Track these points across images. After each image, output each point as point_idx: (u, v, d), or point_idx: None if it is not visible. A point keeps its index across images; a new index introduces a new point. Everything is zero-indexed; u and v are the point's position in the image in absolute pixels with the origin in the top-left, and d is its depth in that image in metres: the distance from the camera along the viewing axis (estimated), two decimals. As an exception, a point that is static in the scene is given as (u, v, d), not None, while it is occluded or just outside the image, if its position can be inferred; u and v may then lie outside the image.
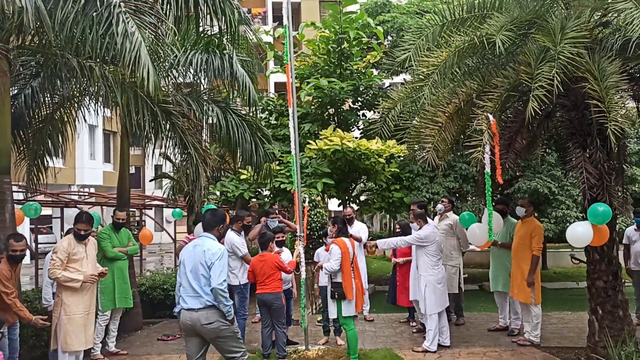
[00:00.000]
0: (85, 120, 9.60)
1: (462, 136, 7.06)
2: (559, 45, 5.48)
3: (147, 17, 5.66)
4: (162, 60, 7.10)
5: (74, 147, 9.45)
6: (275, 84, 33.18)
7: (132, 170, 35.32)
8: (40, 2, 5.31)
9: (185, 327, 5.15)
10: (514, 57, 6.46)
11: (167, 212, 15.26)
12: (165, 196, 14.82)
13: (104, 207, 15.25)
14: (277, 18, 39.27)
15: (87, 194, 14.77)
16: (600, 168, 6.35)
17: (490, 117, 5.85)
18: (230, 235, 7.72)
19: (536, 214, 13.26)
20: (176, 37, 7.51)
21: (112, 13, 5.38)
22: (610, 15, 6.11)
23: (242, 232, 8.04)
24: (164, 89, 8.20)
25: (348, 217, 9.42)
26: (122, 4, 5.38)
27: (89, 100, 9.30)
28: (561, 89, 5.38)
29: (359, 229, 9.50)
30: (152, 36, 5.64)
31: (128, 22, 5.33)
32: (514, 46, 6.46)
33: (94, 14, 5.50)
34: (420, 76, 6.79)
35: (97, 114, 9.58)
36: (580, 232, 6.17)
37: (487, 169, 5.88)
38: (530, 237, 7.40)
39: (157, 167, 36.15)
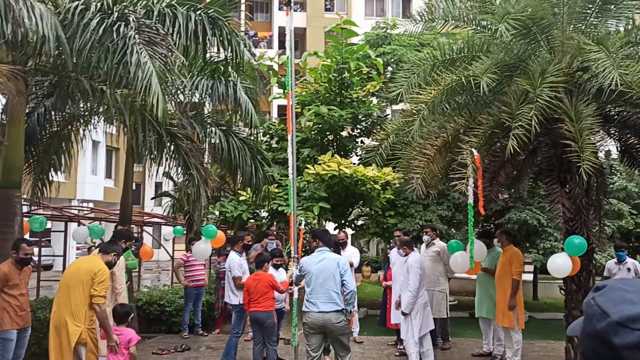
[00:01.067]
0: (90, 137, 10.04)
1: (449, 168, 7.46)
2: (538, 88, 5.92)
3: (159, 48, 6.11)
4: (170, 85, 7.53)
5: (77, 162, 9.86)
6: (278, 107, 33.75)
7: (133, 187, 35.72)
8: (60, 32, 5.76)
9: (315, 326, 6.17)
10: (498, 96, 6.91)
11: (165, 230, 15.58)
12: (165, 214, 15.21)
13: (102, 222, 15.62)
14: (283, 42, 40.10)
15: (88, 209, 15.13)
16: (578, 203, 6.76)
17: (475, 151, 6.27)
18: (231, 255, 8.11)
19: (527, 245, 13.69)
20: (184, 64, 7.95)
21: (127, 44, 5.84)
22: (588, 62, 6.56)
23: (243, 253, 8.41)
24: (170, 113, 8.63)
25: (341, 241, 9.79)
26: (136, 36, 5.83)
27: (97, 119, 9.76)
28: (538, 128, 5.80)
29: (351, 253, 9.87)
30: (163, 65, 6.07)
31: (141, 53, 5.77)
32: (499, 86, 6.91)
33: (110, 43, 5.95)
34: (412, 110, 7.22)
35: (102, 130, 10.02)
36: (560, 263, 6.56)
37: (470, 200, 6.28)
38: (510, 264, 7.78)
39: (158, 185, 36.66)
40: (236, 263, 8.15)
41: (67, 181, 10.56)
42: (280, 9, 40.15)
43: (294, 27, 8.16)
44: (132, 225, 12.90)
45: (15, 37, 5.36)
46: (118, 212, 12.90)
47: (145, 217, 15.69)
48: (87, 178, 31.16)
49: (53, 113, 8.87)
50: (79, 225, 12.05)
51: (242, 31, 8.23)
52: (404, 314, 7.80)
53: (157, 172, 10.04)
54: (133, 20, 5.88)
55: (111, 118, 9.17)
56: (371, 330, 11.02)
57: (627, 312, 0.94)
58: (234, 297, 8.07)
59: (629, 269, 9.45)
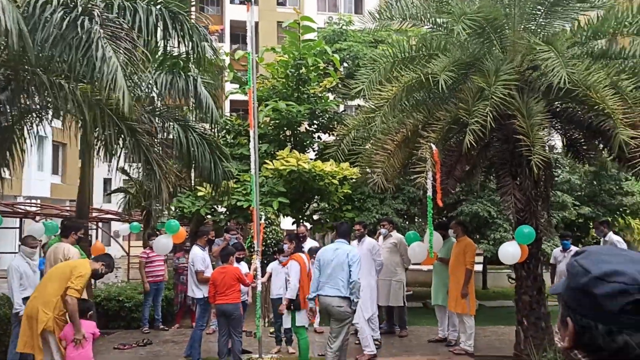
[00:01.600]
0: (39, 132, 9.82)
1: (409, 162, 7.74)
2: (493, 86, 6.25)
3: (123, 42, 6.11)
4: (131, 80, 7.50)
5: (23, 158, 9.64)
6: (232, 101, 33.55)
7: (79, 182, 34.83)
8: (23, 25, 5.68)
9: (322, 307, 6.92)
10: (455, 93, 7.22)
11: (120, 226, 15.36)
12: (120, 210, 14.99)
13: (50, 219, 15.24)
14: (235, 36, 39.80)
15: (38, 205, 14.77)
16: (528, 194, 7.15)
17: (433, 146, 6.55)
18: (194, 249, 8.17)
19: (477, 236, 14.22)
20: (147, 58, 7.92)
21: (91, 38, 5.81)
22: (538, 61, 6.94)
23: (206, 247, 8.46)
24: (134, 107, 8.57)
25: (302, 235, 9.97)
26: (101, 30, 5.81)
27: (52, 114, 9.57)
28: (493, 124, 6.12)
29: (310, 246, 10.05)
30: (127, 60, 6.07)
31: (106, 48, 5.77)
32: (456, 83, 7.22)
33: (74, 37, 5.90)
34: (373, 107, 7.45)
35: (48, 125, 9.81)
36: (511, 251, 6.93)
37: (429, 193, 6.56)
38: (464, 254, 8.14)
39: (106, 181, 35.83)
40: (199, 257, 8.21)
41: (10, 177, 10.31)
42: (231, 2, 39.89)
43: (245, 20, 8.24)
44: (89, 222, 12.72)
45: (-23, 31, 5.27)
46: (68, 208, 12.67)
47: (100, 214, 15.43)
48: (33, 174, 30.17)
49: (7, 107, 8.64)
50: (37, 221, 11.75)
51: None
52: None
53: (116, 167, 9.92)
54: (97, 14, 5.85)
55: (66, 112, 8.99)
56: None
57: (605, 268, 1.16)
58: (197, 291, 8.13)
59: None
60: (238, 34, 39.44)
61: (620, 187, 15.97)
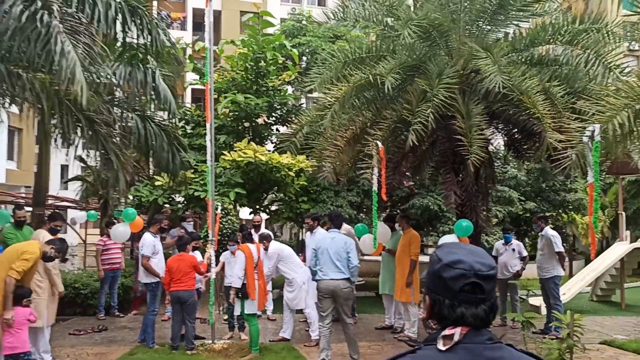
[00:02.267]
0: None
1: (358, 158, 8.15)
2: (435, 89, 6.68)
3: (82, 37, 6.29)
4: (90, 71, 7.66)
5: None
6: (192, 90, 33.40)
7: (36, 169, 34.18)
8: (-20, 16, 5.81)
9: (327, 291, 7.14)
10: (402, 94, 7.64)
11: (76, 214, 15.35)
12: (77, 198, 15.00)
13: (5, 206, 15.16)
14: (197, 24, 39.50)
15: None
16: (469, 190, 7.64)
17: (379, 144, 6.96)
18: (145, 235, 8.39)
19: (429, 228, 14.81)
20: (105, 51, 8.07)
21: (50, 32, 5.98)
22: (478, 66, 7.41)
23: (159, 235, 8.67)
24: (92, 99, 8.70)
25: (256, 223, 10.29)
26: (60, 25, 5.98)
27: (9, 102, 9.60)
28: (434, 125, 6.56)
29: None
30: (86, 54, 6.26)
31: (65, 42, 5.94)
32: (403, 84, 7.65)
33: (33, 31, 6.06)
34: (325, 104, 7.82)
35: (4, 111, 9.83)
36: (449, 241, 7.41)
37: (375, 188, 6.97)
38: (409, 245, 8.60)
39: (63, 168, 35.27)
40: (149, 242, 8.40)
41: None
42: (194, -10, 39.48)
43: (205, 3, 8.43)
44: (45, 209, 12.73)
45: None
46: (24, 195, 12.64)
47: (56, 201, 15.39)
48: (-13, 159, 29.53)
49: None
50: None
51: (156, 12, 8.44)
52: None
53: (73, 155, 10.01)
54: (57, 9, 6.02)
55: (24, 101, 9.05)
56: (281, 309, 11.63)
57: (451, 258, 1.55)
58: (146, 277, 8.35)
59: (513, 250, 10.59)
60: (200, 22, 39.10)
61: (564, 184, 16.82)
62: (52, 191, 34.25)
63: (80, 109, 8.42)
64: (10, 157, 32.82)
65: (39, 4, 6.07)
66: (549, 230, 9.58)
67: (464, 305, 1.50)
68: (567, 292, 12.05)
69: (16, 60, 6.86)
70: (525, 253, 10.46)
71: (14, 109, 10.48)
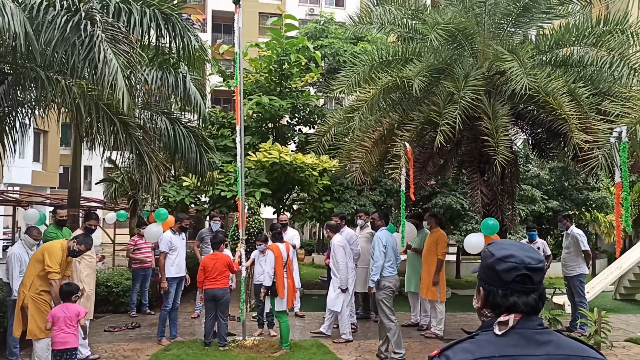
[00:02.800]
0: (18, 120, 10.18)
1: (385, 158, 8.33)
2: (462, 91, 6.83)
3: (122, 45, 6.55)
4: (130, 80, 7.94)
5: (15, 148, 10.07)
6: (214, 91, 33.77)
7: (61, 170, 34.88)
8: (29, 28, 6.09)
9: (395, 287, 7.69)
10: (429, 95, 7.80)
11: (107, 214, 15.72)
12: (106, 199, 15.36)
13: (32, 206, 15.57)
14: (216, 26, 39.92)
15: (26, 193, 15.07)
16: (494, 189, 7.78)
17: (407, 144, 7.14)
18: (164, 233, 8.69)
19: (451, 227, 14.92)
20: (142, 57, 8.33)
21: (93, 41, 6.24)
22: (503, 68, 7.55)
23: (181, 234, 8.90)
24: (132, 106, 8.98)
25: (283, 223, 10.53)
26: (102, 34, 6.25)
27: (45, 106, 9.94)
28: (461, 125, 6.72)
29: (292, 235, 10.64)
30: (126, 62, 6.53)
31: (107, 50, 6.21)
32: (429, 86, 7.81)
33: (76, 40, 6.33)
34: (353, 106, 8.01)
35: (33, 112, 10.16)
36: (475, 241, 7.56)
37: (402, 187, 7.15)
38: (436, 244, 8.76)
39: (87, 169, 35.90)
40: (165, 239, 8.69)
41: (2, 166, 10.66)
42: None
43: (227, 10, 8.68)
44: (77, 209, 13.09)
45: (-12, 34, 5.68)
46: (50, 195, 12.96)
47: (86, 202, 15.77)
48: (14, 161, 30.13)
49: (3, 100, 9.00)
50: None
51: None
52: (341, 289, 8.67)
53: (99, 156, 10.25)
54: (99, 19, 6.29)
55: (61, 106, 9.37)
56: (309, 307, 11.87)
57: (503, 253, 1.74)
58: (169, 271, 8.69)
59: (538, 248, 10.69)
60: (220, 24, 39.59)
61: (586, 182, 16.79)
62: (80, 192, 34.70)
63: (115, 113, 8.72)
64: (36, 158, 33.50)
65: (82, 14, 6.34)
66: (574, 229, 9.67)
67: (516, 295, 1.69)
68: (590, 290, 12.10)
69: (59, 67, 7.14)
70: (549, 252, 10.55)
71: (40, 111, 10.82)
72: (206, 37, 37.69)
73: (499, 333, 1.69)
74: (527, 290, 1.70)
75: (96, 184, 16.63)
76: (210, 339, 8.31)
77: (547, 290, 10.76)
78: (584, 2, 7.75)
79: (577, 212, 17.67)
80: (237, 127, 8.75)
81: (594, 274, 15.36)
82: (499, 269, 1.72)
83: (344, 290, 8.70)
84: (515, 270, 1.70)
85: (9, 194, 13.12)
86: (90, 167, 35.99)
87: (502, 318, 1.70)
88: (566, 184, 16.81)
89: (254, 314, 9.94)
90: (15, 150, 10.40)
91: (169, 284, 8.62)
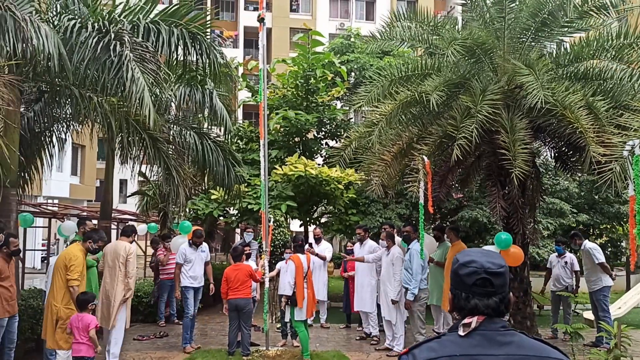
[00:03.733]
0: (65, 136, 10.66)
1: (405, 172, 8.44)
2: (479, 105, 6.93)
3: (149, 64, 6.87)
4: (156, 95, 8.29)
5: (52, 162, 10.59)
6: (244, 106, 34.35)
7: (98, 183, 35.84)
8: (62, 49, 6.47)
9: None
10: (447, 110, 7.91)
11: (139, 227, 16.15)
12: (138, 211, 15.81)
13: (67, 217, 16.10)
14: (248, 42, 40.62)
15: (63, 206, 15.62)
16: (515, 203, 7.81)
17: (425, 158, 7.25)
18: (182, 245, 9.07)
19: (478, 240, 14.84)
20: (169, 75, 8.68)
21: (122, 61, 6.58)
22: (521, 82, 7.61)
23: (199, 246, 9.23)
24: (158, 122, 9.33)
25: (317, 236, 10.81)
26: (130, 54, 6.58)
27: (79, 122, 10.40)
28: (478, 140, 6.80)
29: (324, 247, 10.89)
30: (153, 80, 6.84)
31: (135, 69, 6.53)
32: (448, 100, 7.92)
33: (106, 60, 6.68)
34: (372, 121, 8.17)
35: (68, 128, 10.63)
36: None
37: (421, 201, 7.25)
38: (457, 258, 8.78)
39: (122, 182, 36.82)
40: (180, 252, 9.13)
41: (37, 179, 11.13)
42: (245, 8, 40.67)
43: (258, 26, 8.95)
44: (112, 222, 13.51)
45: (25, 55, 6.04)
46: (87, 208, 13.43)
47: (119, 214, 16.25)
48: (53, 175, 31.12)
49: (40, 117, 9.47)
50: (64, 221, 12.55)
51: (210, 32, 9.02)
52: (393, 302, 8.80)
53: (135, 171, 10.68)
54: (127, 40, 6.62)
55: (94, 122, 9.79)
56: (334, 319, 11.99)
57: (466, 259, 1.87)
58: (184, 280, 9.04)
59: (566, 262, 10.60)
60: (252, 39, 40.23)
61: (618, 195, 16.49)
62: (113, 205, 35.53)
63: (144, 128, 9.08)
64: (74, 172, 34.56)
65: (112, 35, 6.69)
66: (587, 244, 9.65)
67: (477, 297, 1.81)
68: (622, 305, 11.89)
69: (91, 85, 7.51)
70: (577, 267, 10.42)
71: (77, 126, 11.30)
72: (238, 53, 38.44)
73: (462, 334, 1.80)
74: (487, 293, 1.80)
75: (128, 196, 17.14)
76: (234, 349, 8.50)
77: (573, 306, 10.67)
78: (603, 16, 7.76)
79: (608, 226, 17.35)
80: (261, 142, 8.99)
81: (627, 288, 15.04)
82: (461, 273, 1.85)
83: (395, 302, 8.85)
84: (476, 274, 1.81)
85: (46, 207, 13.63)
86: (126, 180, 36.92)
87: (465, 320, 1.82)
88: (596, 197, 16.54)
89: (279, 325, 10.11)
90: (52, 164, 10.90)
91: (186, 292, 8.92)
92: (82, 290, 6.78)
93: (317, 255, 10.41)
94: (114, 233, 17.72)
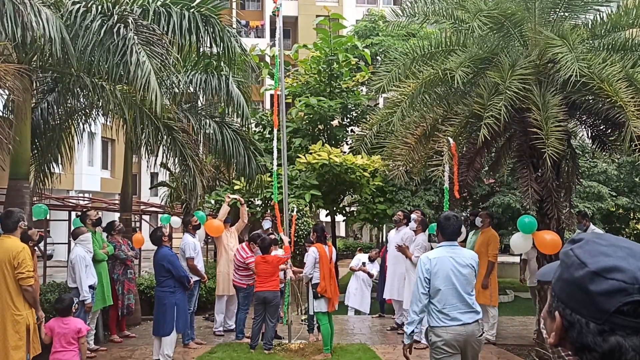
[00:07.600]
0: (87, 129, 10.51)
1: (431, 155, 7.98)
2: (508, 81, 6.42)
3: (156, 47, 6.57)
4: (166, 80, 7.99)
5: (74, 154, 10.44)
6: (271, 96, 34.08)
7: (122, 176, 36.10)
8: (65, 34, 6.21)
9: (456, 342, 4.50)
10: (474, 88, 7.40)
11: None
12: (162, 203, 15.69)
13: (102, 211, 16.09)
14: (274, 31, 40.34)
15: (88, 199, 15.61)
16: (549, 186, 7.28)
17: (451, 140, 6.78)
18: (185, 236, 8.60)
19: (511, 228, 14.25)
20: (179, 60, 8.40)
21: (126, 44, 6.30)
22: (554, 55, 7.05)
23: (196, 234, 8.82)
24: (166, 107, 9.08)
25: (371, 258, 11.36)
26: (135, 37, 6.29)
27: (97, 113, 10.23)
28: (507, 118, 6.30)
29: (373, 266, 11.14)
30: (160, 64, 6.54)
31: (140, 53, 6.24)
32: (475, 78, 7.41)
33: (111, 44, 6.40)
34: (394, 102, 7.72)
35: (98, 122, 10.46)
36: (519, 240, 7.08)
37: (446, 185, 6.80)
38: (487, 245, 8.30)
39: (154, 175, 37.03)
40: (190, 244, 8.58)
41: (64, 172, 11.02)
42: (271, -2, 40.35)
43: (285, 15, 8.63)
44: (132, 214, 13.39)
45: (24, 40, 5.81)
46: (117, 201, 13.37)
47: (143, 207, 16.17)
48: (84, 169, 31.53)
49: (55, 107, 9.30)
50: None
51: (234, 22, 8.72)
52: None
53: (155, 163, 10.49)
54: (132, 22, 6.33)
55: (108, 111, 9.59)
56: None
57: (603, 263, 1.04)
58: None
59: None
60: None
61: (661, 177, 15.68)
62: (143, 198, 35.92)
63: (159, 118, 8.82)
64: (104, 166, 34.93)
65: (116, 17, 6.41)
66: (594, 228, 9.17)
67: (621, 333, 1.01)
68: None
69: (98, 72, 7.27)
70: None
71: (108, 121, 11.18)
72: (265, 42, 38.22)
73: None
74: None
75: (150, 188, 17.06)
76: (257, 342, 8.20)
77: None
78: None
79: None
80: (275, 131, 8.58)
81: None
82: (594, 290, 1.04)
83: None
84: (622, 295, 1.02)
85: (69, 200, 13.60)
86: (157, 174, 37.14)
87: None
88: (637, 180, 15.73)
89: (303, 317, 9.79)
90: (72, 158, 10.77)
91: (194, 287, 8.60)
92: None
93: (367, 273, 11.45)
94: (145, 226, 17.68)
